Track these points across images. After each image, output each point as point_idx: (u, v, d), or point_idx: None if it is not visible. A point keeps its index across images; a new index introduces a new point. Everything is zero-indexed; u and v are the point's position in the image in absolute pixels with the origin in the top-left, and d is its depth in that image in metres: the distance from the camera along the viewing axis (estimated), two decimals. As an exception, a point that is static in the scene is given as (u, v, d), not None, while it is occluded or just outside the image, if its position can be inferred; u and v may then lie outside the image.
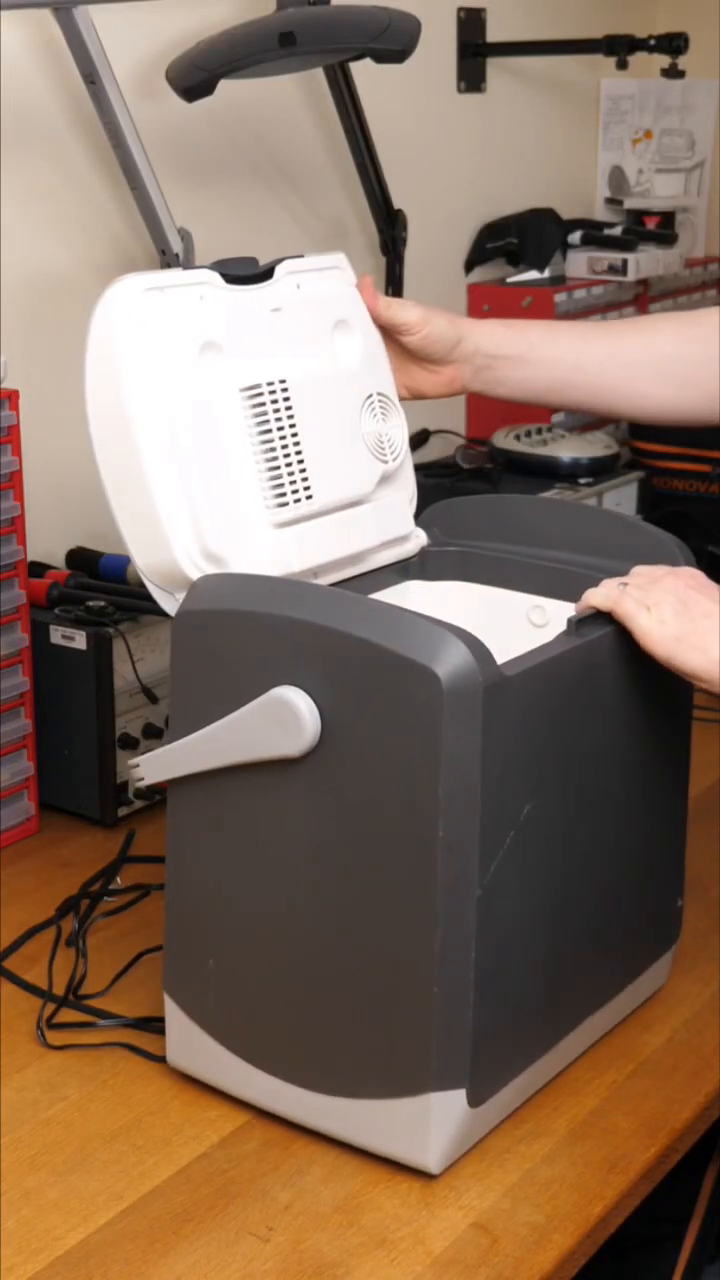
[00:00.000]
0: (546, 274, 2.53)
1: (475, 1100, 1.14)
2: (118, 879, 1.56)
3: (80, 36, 1.70)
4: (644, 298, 2.63)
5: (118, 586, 1.76)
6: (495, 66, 2.47)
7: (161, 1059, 1.27)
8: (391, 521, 1.34)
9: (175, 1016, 1.24)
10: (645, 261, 2.52)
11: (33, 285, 1.83)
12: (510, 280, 2.51)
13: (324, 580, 1.28)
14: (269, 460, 1.24)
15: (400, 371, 1.39)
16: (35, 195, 1.82)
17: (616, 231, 2.59)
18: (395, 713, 1.07)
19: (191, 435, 1.19)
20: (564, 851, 1.18)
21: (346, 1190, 1.14)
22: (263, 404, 1.24)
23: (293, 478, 1.25)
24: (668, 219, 2.68)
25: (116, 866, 1.58)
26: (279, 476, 1.24)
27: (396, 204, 2.19)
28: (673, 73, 2.37)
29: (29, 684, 1.64)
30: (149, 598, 1.72)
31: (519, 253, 2.51)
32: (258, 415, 1.24)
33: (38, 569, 1.77)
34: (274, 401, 1.25)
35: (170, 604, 1.22)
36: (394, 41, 1.71)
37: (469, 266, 2.50)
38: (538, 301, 2.43)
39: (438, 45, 2.35)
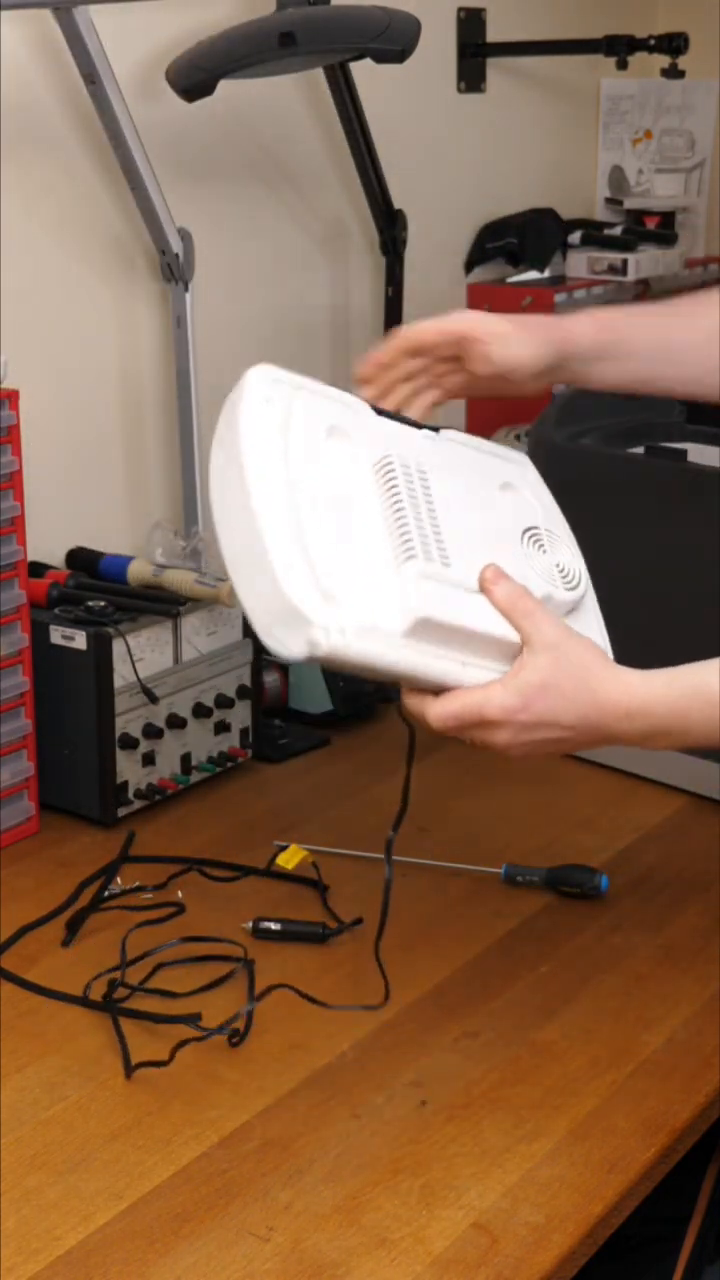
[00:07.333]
0: (546, 274, 2.52)
1: None
2: (117, 879, 1.56)
3: (80, 36, 1.70)
4: (644, 298, 2.63)
5: (118, 586, 1.77)
6: (495, 66, 2.47)
7: (164, 1064, 1.28)
8: None
9: None
10: (645, 261, 2.52)
11: (33, 285, 1.83)
12: (510, 280, 2.51)
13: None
14: (399, 521, 1.19)
15: (487, 385, 1.35)
16: (35, 195, 1.82)
17: (616, 231, 2.58)
18: None
19: (311, 499, 1.16)
20: None
21: (346, 1190, 1.14)
22: (395, 477, 1.20)
23: (425, 537, 1.19)
24: (668, 219, 2.68)
25: (116, 866, 1.58)
26: (408, 531, 1.18)
27: (396, 204, 2.18)
28: (673, 73, 2.36)
29: (29, 684, 1.64)
30: (149, 598, 1.73)
31: (519, 253, 2.51)
32: (390, 487, 1.20)
33: (38, 569, 1.77)
34: (407, 474, 1.21)
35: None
36: (394, 41, 1.70)
37: (469, 266, 2.50)
38: (538, 301, 2.43)
39: (438, 45, 2.35)
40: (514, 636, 1.18)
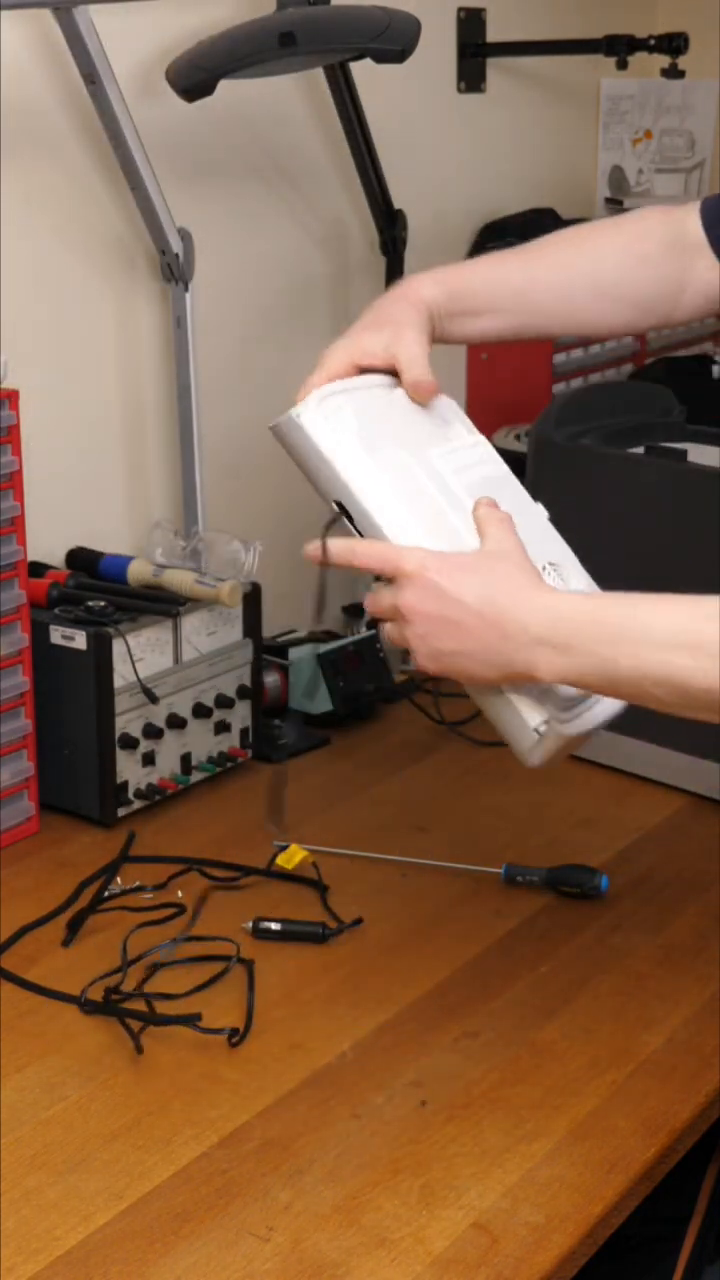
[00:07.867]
0: (546, 274, 2.52)
1: None
2: (117, 879, 1.56)
3: (80, 36, 1.70)
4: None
5: (118, 586, 1.77)
6: (495, 66, 2.47)
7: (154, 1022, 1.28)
8: None
9: None
10: (645, 261, 2.52)
11: (33, 285, 1.82)
12: (510, 280, 2.51)
13: None
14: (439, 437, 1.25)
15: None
16: (36, 195, 1.82)
17: (616, 231, 2.58)
18: None
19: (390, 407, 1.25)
20: None
21: (346, 1190, 1.14)
22: (464, 439, 1.28)
23: (451, 455, 1.25)
24: (668, 219, 2.68)
25: (116, 866, 1.58)
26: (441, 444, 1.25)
27: (396, 204, 2.18)
28: (673, 73, 2.36)
29: (29, 684, 1.64)
30: (149, 598, 1.73)
31: (519, 253, 2.51)
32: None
33: (38, 569, 1.77)
34: (474, 448, 1.28)
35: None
36: (394, 41, 1.70)
37: (469, 266, 2.50)
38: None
39: (438, 45, 2.35)
40: (474, 545, 1.19)
